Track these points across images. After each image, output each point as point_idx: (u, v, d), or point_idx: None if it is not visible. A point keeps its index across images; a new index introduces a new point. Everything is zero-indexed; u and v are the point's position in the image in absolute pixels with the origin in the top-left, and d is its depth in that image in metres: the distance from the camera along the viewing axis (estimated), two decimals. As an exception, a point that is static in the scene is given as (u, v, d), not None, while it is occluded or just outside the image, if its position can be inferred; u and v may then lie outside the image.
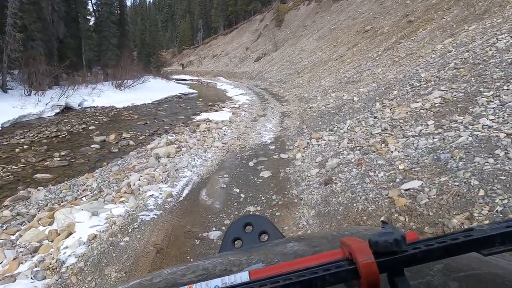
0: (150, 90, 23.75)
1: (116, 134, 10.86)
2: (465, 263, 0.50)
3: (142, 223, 4.07)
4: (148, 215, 4.24)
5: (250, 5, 63.05)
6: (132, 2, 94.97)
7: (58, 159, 8.15)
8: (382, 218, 3.50)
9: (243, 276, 0.38)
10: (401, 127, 5.68)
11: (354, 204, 3.87)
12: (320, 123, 8.60)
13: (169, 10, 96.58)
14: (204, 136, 9.05)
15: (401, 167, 4.09)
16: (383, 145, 5.22)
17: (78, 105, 17.12)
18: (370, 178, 4.23)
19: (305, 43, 35.74)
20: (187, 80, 44.37)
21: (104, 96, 19.20)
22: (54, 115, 14.97)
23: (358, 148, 5.75)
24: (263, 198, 5.06)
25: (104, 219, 4.22)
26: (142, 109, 16.66)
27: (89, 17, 26.90)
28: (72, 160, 8.28)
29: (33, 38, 16.90)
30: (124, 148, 9.45)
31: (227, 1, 68.98)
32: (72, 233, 3.83)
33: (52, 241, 3.77)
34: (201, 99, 20.98)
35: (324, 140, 7.38)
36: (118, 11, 32.24)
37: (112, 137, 10.18)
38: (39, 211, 4.98)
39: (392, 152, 4.74)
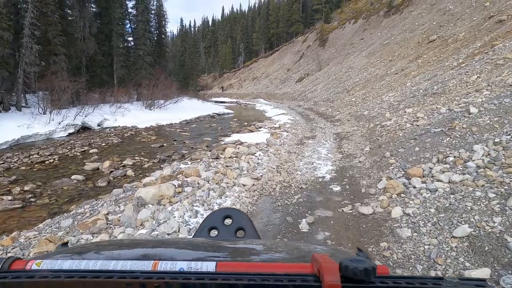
0: (183, 110, 21.66)
1: (116, 160, 8.21)
2: None
3: None
4: None
5: (292, 27, 61.43)
6: (178, 30, 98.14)
7: (10, 198, 5.48)
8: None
9: (209, 266, 0.38)
10: None
11: None
12: (416, 148, 5.14)
13: (212, 36, 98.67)
14: (227, 167, 5.96)
15: None
16: None
17: (98, 125, 15.12)
18: None
19: (353, 60, 32.56)
20: (226, 102, 42.82)
21: (129, 115, 17.19)
22: (67, 135, 12.94)
23: None
24: None
25: None
26: (166, 129, 14.21)
27: (127, 37, 26.09)
28: (33, 199, 5.59)
29: (55, 53, 15.45)
30: (116, 181, 6.66)
31: (268, 24, 68.15)
32: None
33: None
34: (236, 119, 18.25)
35: (441, 181, 3.93)
36: (157, 32, 31.51)
37: (106, 164, 7.49)
38: None
39: None
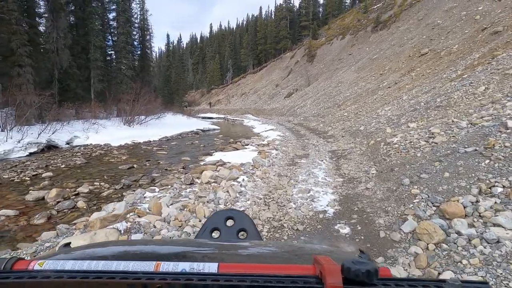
0: (165, 126, 20.30)
1: (71, 186, 6.77)
2: None
3: None
4: None
5: (280, 43, 61.41)
6: (166, 47, 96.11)
7: None
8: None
9: (212, 267, 0.38)
10: None
11: None
12: (445, 174, 3.92)
13: (200, 53, 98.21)
14: (199, 198, 4.63)
15: None
16: None
17: (67, 143, 13.60)
18: None
19: (343, 75, 32.06)
20: (214, 117, 41.74)
21: (104, 132, 15.71)
22: (27, 155, 11.37)
23: None
24: None
25: None
26: (142, 147, 12.78)
27: (109, 50, 24.80)
28: None
29: (20, 64, 14.00)
30: (60, 215, 5.23)
31: (256, 41, 68.12)
32: None
33: None
34: (221, 136, 16.98)
35: (501, 226, 2.72)
36: (140, 46, 30.41)
37: (53, 193, 6.04)
38: None
39: None
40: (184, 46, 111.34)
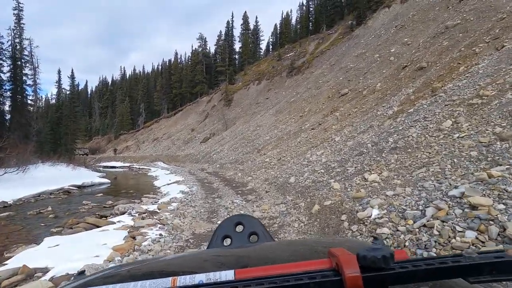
0: (23, 183, 14.42)
1: None
2: None
3: None
4: None
5: (196, 87, 58.88)
6: (56, 86, 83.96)
7: None
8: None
9: (228, 274, 0.38)
10: None
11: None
12: None
13: (110, 96, 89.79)
14: None
15: None
16: None
17: None
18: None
19: (261, 119, 30.13)
20: (117, 167, 35.64)
21: None
22: None
23: None
24: None
25: None
26: None
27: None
28: None
29: None
30: None
31: (171, 84, 64.59)
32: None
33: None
34: (101, 194, 12.12)
35: None
36: (12, 80, 23.92)
37: None
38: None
39: None
40: (94, 89, 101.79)
